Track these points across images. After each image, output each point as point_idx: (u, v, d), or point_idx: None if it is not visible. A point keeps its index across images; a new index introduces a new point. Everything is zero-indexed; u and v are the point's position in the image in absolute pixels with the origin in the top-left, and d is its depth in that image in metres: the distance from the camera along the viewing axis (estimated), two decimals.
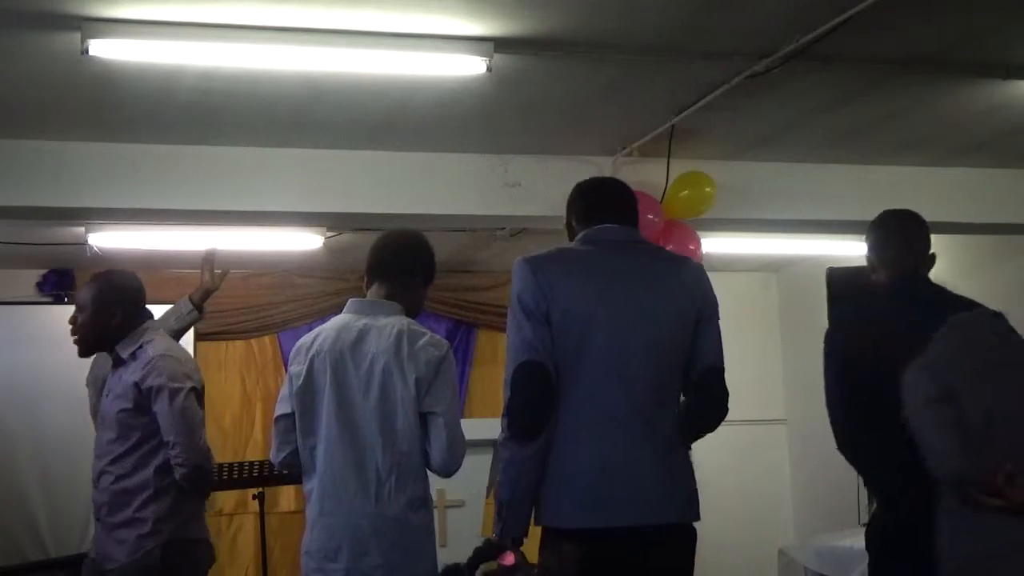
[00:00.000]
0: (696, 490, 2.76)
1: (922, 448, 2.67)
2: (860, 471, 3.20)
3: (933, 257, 3.21)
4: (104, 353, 3.85)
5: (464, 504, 5.50)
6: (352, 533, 2.96)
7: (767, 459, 7.99)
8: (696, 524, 2.76)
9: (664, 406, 2.71)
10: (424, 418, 2.99)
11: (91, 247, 5.83)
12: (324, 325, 3.17)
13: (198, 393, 3.71)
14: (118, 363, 3.70)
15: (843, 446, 3.11)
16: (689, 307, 2.74)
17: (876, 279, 3.24)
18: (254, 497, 5.99)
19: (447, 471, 3.02)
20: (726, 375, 2.82)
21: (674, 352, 2.73)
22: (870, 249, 3.27)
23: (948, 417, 2.63)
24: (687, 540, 2.73)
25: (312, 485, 3.06)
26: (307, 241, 5.99)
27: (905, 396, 2.72)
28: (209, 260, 4.21)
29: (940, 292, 3.13)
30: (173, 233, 5.78)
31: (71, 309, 4.02)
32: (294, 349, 3.17)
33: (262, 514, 6.18)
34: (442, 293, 7.54)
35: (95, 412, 3.90)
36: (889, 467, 2.97)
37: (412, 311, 3.22)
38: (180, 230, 5.72)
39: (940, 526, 2.71)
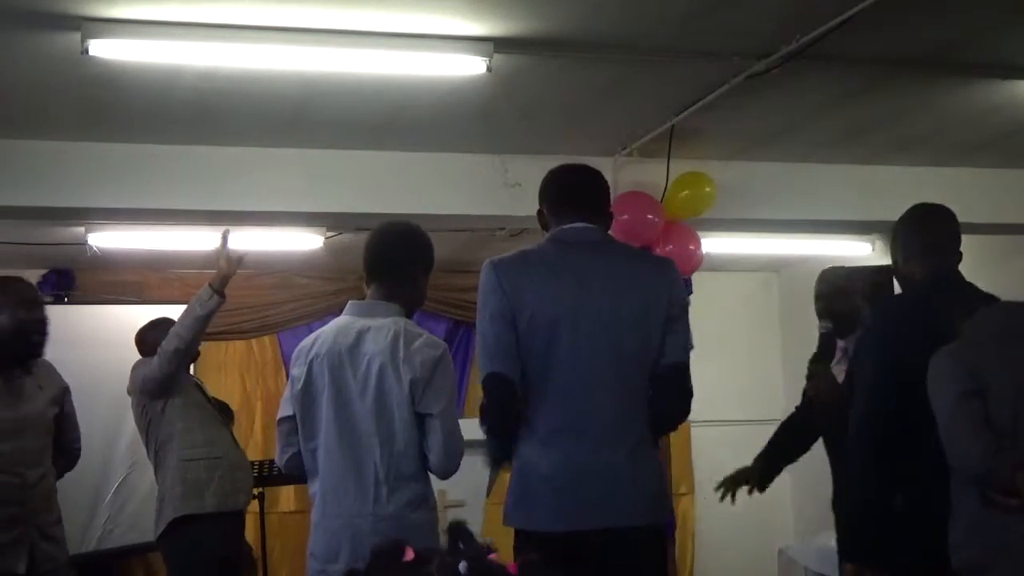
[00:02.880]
0: (663, 491, 2.77)
1: (948, 444, 2.65)
2: (880, 463, 3.02)
3: (961, 256, 3.21)
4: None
5: (464, 504, 5.51)
6: (352, 534, 2.96)
7: None
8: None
9: (632, 408, 2.71)
10: (421, 419, 2.99)
11: (91, 247, 5.83)
12: (324, 328, 3.16)
13: None
14: (28, 370, 3.77)
15: (872, 439, 2.98)
16: (657, 308, 2.73)
17: (907, 271, 3.20)
18: (254, 497, 5.99)
19: (445, 473, 3.02)
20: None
21: (642, 355, 2.72)
22: (905, 241, 3.21)
23: (979, 414, 2.61)
24: (655, 541, 2.73)
25: (315, 487, 3.08)
26: (307, 241, 5.99)
27: (933, 386, 2.69)
28: (223, 246, 4.30)
29: (975, 289, 3.11)
30: (173, 233, 5.78)
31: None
32: (295, 352, 3.17)
33: (262, 514, 6.19)
34: (442, 293, 7.53)
35: None
36: (916, 459, 2.89)
37: (413, 305, 3.21)
38: (180, 230, 5.72)
39: (955, 519, 2.70)
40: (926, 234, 3.19)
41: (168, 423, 4.49)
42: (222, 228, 5.51)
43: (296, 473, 3.18)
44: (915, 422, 2.90)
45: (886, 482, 2.94)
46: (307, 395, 3.06)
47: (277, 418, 3.17)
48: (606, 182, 2.93)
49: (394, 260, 3.17)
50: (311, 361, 3.06)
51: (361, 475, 2.99)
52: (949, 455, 2.66)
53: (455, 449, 2.99)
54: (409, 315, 3.16)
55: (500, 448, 2.86)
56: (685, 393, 2.78)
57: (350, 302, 3.19)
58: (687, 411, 2.81)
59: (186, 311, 4.39)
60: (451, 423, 2.99)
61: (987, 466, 2.59)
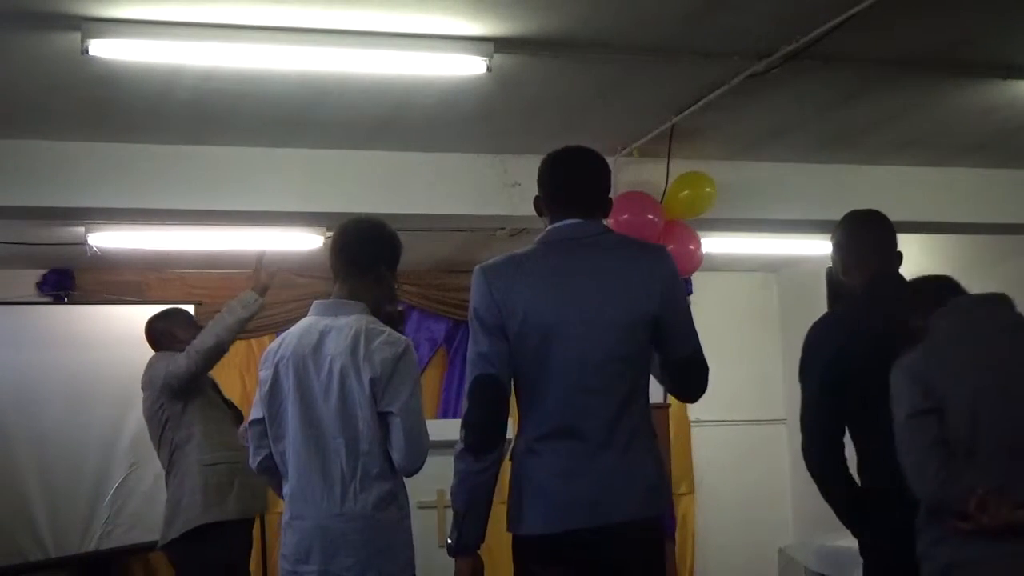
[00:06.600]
0: (660, 481, 2.72)
1: (902, 465, 2.64)
2: (834, 488, 3.10)
3: (900, 256, 3.22)
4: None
5: None
6: (322, 535, 2.98)
7: (767, 459, 7.99)
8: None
9: (626, 407, 2.67)
10: (383, 418, 2.99)
11: (91, 247, 5.83)
12: (290, 329, 3.17)
13: None
14: None
15: (822, 464, 3.08)
16: (654, 304, 2.68)
17: (848, 281, 3.23)
18: None
19: (409, 470, 3.00)
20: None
21: (635, 354, 2.69)
22: (840, 251, 3.25)
23: (929, 434, 2.58)
24: (653, 533, 2.71)
25: (285, 489, 3.10)
26: (307, 241, 5.99)
27: (892, 402, 2.68)
28: (260, 263, 4.40)
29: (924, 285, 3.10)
30: (173, 233, 5.78)
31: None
32: (263, 354, 3.18)
33: (262, 514, 6.17)
34: (442, 293, 7.54)
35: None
36: (880, 480, 2.92)
37: (380, 302, 3.21)
38: (180, 230, 5.72)
39: (919, 534, 2.70)
40: (860, 241, 3.20)
41: (187, 424, 4.38)
42: (224, 228, 5.54)
43: (269, 475, 3.20)
44: (864, 439, 3.01)
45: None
46: (274, 397, 3.08)
47: (248, 421, 3.18)
48: (606, 167, 2.84)
49: (355, 258, 3.19)
50: (277, 363, 3.08)
51: (328, 476, 2.99)
52: (905, 477, 2.64)
53: (418, 447, 2.98)
54: (377, 312, 3.16)
55: (472, 495, 2.68)
56: (704, 378, 2.79)
57: (315, 302, 3.21)
58: (704, 390, 2.82)
59: (227, 311, 4.37)
60: (412, 420, 2.97)
61: (935, 496, 2.58)
